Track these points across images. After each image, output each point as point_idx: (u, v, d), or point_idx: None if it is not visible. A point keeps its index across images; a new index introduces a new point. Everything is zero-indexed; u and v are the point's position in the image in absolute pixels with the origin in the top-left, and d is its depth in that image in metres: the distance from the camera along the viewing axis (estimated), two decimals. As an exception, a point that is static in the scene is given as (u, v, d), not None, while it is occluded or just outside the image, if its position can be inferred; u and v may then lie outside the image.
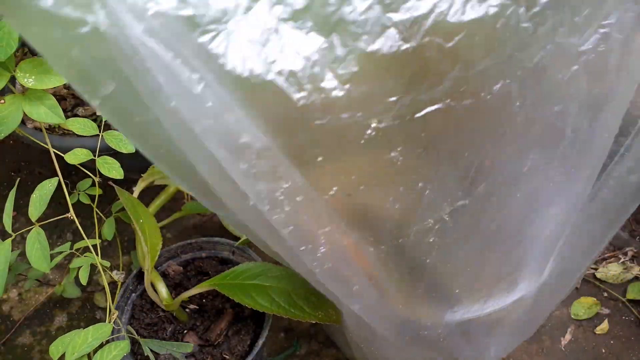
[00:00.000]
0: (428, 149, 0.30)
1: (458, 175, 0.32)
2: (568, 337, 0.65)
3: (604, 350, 0.64)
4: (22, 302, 0.74)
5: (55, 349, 0.48)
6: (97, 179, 0.55)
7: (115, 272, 0.59)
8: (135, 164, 0.58)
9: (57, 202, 0.56)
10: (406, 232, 0.35)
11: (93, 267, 0.58)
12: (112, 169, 0.53)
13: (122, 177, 0.53)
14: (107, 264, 0.56)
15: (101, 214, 0.63)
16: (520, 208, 0.38)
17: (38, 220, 0.51)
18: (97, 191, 0.61)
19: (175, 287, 0.62)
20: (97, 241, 0.57)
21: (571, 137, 0.33)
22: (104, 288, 0.57)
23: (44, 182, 0.54)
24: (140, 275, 0.61)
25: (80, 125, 0.53)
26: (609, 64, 0.29)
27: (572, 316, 0.67)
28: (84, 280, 0.55)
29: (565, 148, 0.34)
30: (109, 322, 0.51)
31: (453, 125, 0.29)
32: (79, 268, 0.57)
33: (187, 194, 0.70)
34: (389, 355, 0.54)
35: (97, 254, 0.55)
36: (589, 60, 0.28)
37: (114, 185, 0.57)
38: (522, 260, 0.42)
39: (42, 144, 0.57)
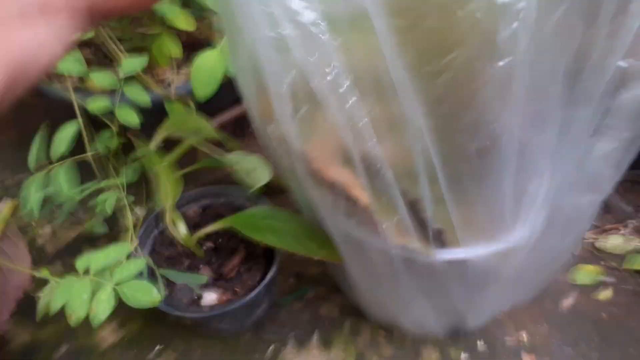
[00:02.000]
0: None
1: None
2: (570, 301, 0.67)
3: (604, 315, 0.65)
4: (55, 237, 0.80)
5: (81, 263, 0.53)
6: (115, 129, 0.59)
7: (138, 208, 0.64)
8: (153, 120, 0.63)
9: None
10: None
11: (119, 210, 0.63)
12: (129, 117, 0.57)
13: (139, 126, 0.57)
14: (131, 198, 0.60)
15: (127, 161, 0.67)
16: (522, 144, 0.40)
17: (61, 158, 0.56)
18: (115, 142, 0.65)
19: (194, 227, 0.66)
20: (122, 180, 0.62)
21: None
22: (128, 229, 0.61)
23: (65, 125, 0.58)
24: (161, 215, 0.65)
25: (100, 77, 0.57)
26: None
27: (575, 282, 0.68)
28: (109, 209, 0.59)
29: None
30: (130, 247, 0.55)
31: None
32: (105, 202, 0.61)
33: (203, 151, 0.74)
34: (388, 298, 0.57)
35: (122, 191, 0.60)
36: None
37: (132, 137, 0.61)
38: (516, 203, 0.44)
39: (67, 100, 0.61)
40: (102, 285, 0.52)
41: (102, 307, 0.51)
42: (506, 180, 0.42)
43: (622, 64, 0.35)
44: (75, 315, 0.51)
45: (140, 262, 0.53)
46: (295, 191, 0.49)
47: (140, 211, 0.64)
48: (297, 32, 0.29)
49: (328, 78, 0.30)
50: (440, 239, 0.45)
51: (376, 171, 0.38)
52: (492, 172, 0.40)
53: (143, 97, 0.58)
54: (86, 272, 0.53)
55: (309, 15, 0.29)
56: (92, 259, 0.53)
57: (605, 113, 0.40)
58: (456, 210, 0.42)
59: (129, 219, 0.58)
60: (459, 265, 0.48)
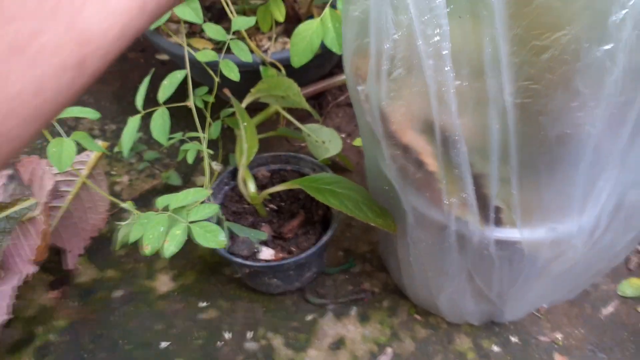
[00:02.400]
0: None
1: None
2: (610, 309, 0.68)
3: (643, 328, 0.66)
4: (131, 186, 0.88)
5: (160, 201, 0.60)
6: (217, 79, 0.66)
7: (214, 163, 0.70)
8: (248, 84, 0.69)
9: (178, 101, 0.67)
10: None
11: (196, 165, 0.69)
12: (231, 71, 0.64)
13: (238, 79, 0.64)
14: (211, 151, 0.67)
15: (211, 120, 0.74)
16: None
17: (164, 103, 0.63)
18: (211, 97, 0.72)
19: (262, 188, 0.72)
20: (206, 135, 0.68)
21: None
22: (202, 185, 0.67)
23: (174, 72, 0.65)
24: (234, 173, 0.71)
25: (213, 29, 0.64)
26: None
27: (619, 292, 0.69)
28: (190, 159, 0.65)
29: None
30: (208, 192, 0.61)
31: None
32: (187, 151, 0.68)
33: (284, 119, 0.80)
34: (432, 278, 0.61)
35: (204, 145, 0.66)
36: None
37: (227, 94, 0.68)
38: (584, 195, 0.46)
39: (172, 53, 0.68)
40: (178, 222, 0.58)
41: (176, 241, 0.57)
42: (579, 171, 0.44)
43: None
44: (151, 245, 0.58)
45: (215, 207, 0.59)
46: (368, 153, 0.54)
47: (216, 166, 0.70)
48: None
49: (432, 40, 0.34)
50: (498, 218, 0.48)
51: (452, 143, 0.42)
52: (566, 160, 0.43)
53: (246, 55, 0.64)
54: (165, 209, 0.59)
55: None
56: (171, 198, 0.59)
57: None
58: (521, 192, 0.45)
59: (206, 169, 0.64)
60: (512, 248, 0.51)
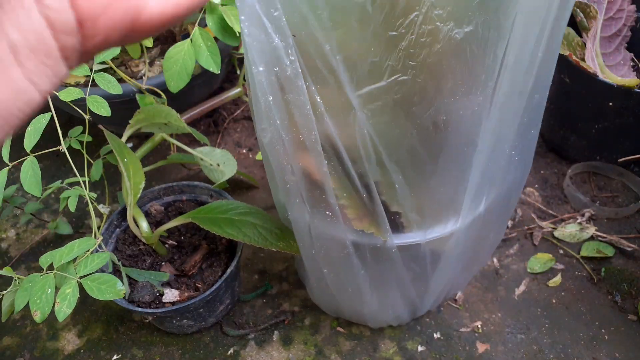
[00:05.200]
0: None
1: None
2: (522, 288, 0.69)
3: (554, 301, 0.68)
4: (19, 241, 0.80)
5: (44, 260, 0.54)
6: (87, 117, 0.60)
7: (101, 205, 0.64)
8: (127, 115, 0.64)
9: (52, 143, 0.61)
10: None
11: (84, 208, 0.63)
12: (100, 107, 0.58)
13: (109, 114, 0.58)
14: (94, 195, 0.61)
15: (91, 160, 0.68)
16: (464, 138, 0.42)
17: (33, 151, 0.57)
18: (87, 137, 0.66)
19: (157, 225, 0.67)
20: (86, 178, 0.63)
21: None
22: (98, 228, 0.62)
23: (38, 117, 0.59)
24: (123, 213, 0.66)
25: None
26: None
27: (528, 270, 0.71)
28: (72, 207, 0.60)
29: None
30: (95, 241, 0.56)
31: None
32: (68, 199, 0.62)
33: (173, 145, 0.75)
34: (346, 289, 0.59)
35: (85, 189, 0.60)
36: None
37: (103, 128, 0.62)
38: (460, 191, 0.46)
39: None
40: (67, 280, 0.52)
41: (67, 301, 0.51)
42: (448, 169, 0.44)
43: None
44: (41, 311, 0.52)
45: (105, 256, 0.54)
46: (270, 181, 0.51)
47: (103, 209, 0.64)
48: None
49: (288, 66, 0.33)
50: (396, 223, 0.48)
51: (335, 155, 0.41)
52: (447, 149, 0.43)
53: (115, 87, 0.59)
54: (50, 268, 0.53)
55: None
56: (55, 254, 0.53)
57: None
58: (407, 195, 0.44)
59: (92, 215, 0.59)
60: (413, 249, 0.51)
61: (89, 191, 0.61)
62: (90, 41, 0.22)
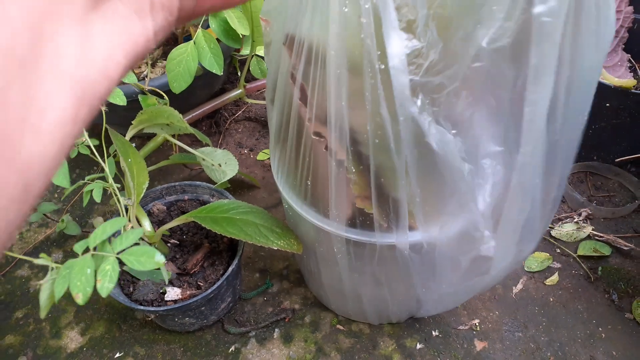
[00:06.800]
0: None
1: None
2: (520, 286, 0.70)
3: (551, 299, 0.69)
4: (23, 240, 0.81)
5: (79, 246, 0.54)
6: (104, 108, 0.61)
7: (123, 198, 0.65)
8: (130, 116, 0.65)
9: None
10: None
11: (87, 208, 0.64)
12: (116, 97, 0.59)
13: (125, 104, 0.59)
14: (118, 185, 0.62)
15: (97, 159, 0.69)
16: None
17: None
18: (96, 141, 0.66)
19: (159, 224, 0.68)
20: (107, 173, 0.63)
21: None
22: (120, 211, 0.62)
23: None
24: (127, 212, 0.67)
25: None
26: None
27: (525, 269, 0.72)
28: (97, 198, 0.60)
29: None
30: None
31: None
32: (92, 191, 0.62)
33: (175, 146, 0.76)
34: (345, 286, 0.60)
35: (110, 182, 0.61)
36: None
37: (108, 127, 0.63)
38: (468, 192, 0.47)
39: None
40: (104, 258, 0.53)
41: (109, 277, 0.51)
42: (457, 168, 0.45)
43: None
44: (83, 292, 0.51)
45: (138, 231, 0.53)
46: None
47: (126, 201, 0.65)
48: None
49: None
50: (397, 213, 0.48)
51: (354, 140, 0.42)
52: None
53: (117, 97, 0.60)
54: (85, 252, 0.54)
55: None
56: (89, 239, 0.54)
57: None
58: (416, 187, 0.45)
59: (119, 203, 0.59)
60: (421, 248, 0.51)
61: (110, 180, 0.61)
62: (202, 5, 0.22)
